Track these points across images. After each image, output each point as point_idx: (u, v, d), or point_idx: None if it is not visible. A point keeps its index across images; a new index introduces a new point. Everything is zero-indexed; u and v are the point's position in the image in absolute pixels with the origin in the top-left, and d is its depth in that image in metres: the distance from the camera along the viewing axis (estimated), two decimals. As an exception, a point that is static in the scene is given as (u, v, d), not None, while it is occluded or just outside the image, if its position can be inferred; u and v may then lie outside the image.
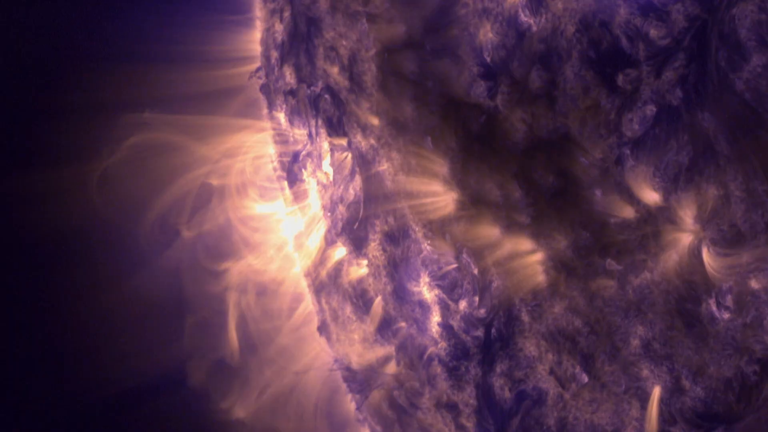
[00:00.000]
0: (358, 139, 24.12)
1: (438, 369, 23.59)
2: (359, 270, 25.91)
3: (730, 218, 16.28)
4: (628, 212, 18.13)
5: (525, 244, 20.36)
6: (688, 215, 17.09)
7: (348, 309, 26.74)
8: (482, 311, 21.84)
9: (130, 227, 26.64)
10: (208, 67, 28.19)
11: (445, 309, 22.94)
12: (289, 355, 28.60)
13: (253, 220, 29.12)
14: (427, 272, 23.10)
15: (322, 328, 28.41)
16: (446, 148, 21.54)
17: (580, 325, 19.65)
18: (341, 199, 25.67)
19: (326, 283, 27.50)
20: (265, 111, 29.21)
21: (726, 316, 16.75)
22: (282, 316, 28.84)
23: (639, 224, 18.00)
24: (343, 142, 24.79)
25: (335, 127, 25.02)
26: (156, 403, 26.87)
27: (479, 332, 22.10)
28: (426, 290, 23.35)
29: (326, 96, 25.02)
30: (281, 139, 28.60)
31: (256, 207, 29.23)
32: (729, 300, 16.62)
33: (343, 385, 28.14)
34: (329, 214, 26.62)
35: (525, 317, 20.75)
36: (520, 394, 21.31)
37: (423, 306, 23.63)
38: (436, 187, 22.12)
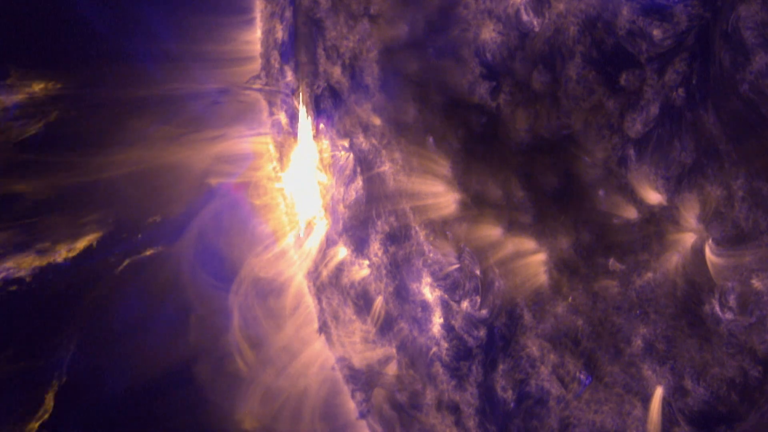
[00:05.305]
0: (360, 139, 24.10)
1: (440, 369, 23.58)
2: (360, 270, 25.89)
3: (733, 218, 16.29)
4: (630, 212, 18.14)
5: (527, 244, 20.36)
6: (691, 215, 17.10)
7: (349, 309, 26.71)
8: (484, 311, 21.83)
9: (129, 227, 26.57)
10: (208, 67, 28.13)
11: (446, 309, 22.92)
12: (289, 356, 28.55)
13: (253, 221, 29.07)
14: (429, 272, 23.08)
15: (323, 329, 28.36)
16: (448, 148, 21.54)
17: (583, 326, 19.65)
18: (342, 200, 25.65)
19: (327, 284, 27.47)
20: (265, 111, 29.17)
21: (729, 316, 16.75)
22: (283, 316, 28.79)
23: (642, 224, 18.01)
24: (345, 142, 24.77)
25: (337, 127, 25.00)
26: (156, 404, 26.81)
27: (481, 332, 22.10)
28: (428, 291, 23.34)
29: (328, 96, 24.99)
30: (281, 139, 28.56)
31: (256, 206, 29.17)
32: (732, 300, 16.63)
33: (344, 386, 28.10)
34: (330, 214, 26.59)
35: (527, 317, 20.74)
36: (522, 395, 21.30)
37: (425, 306, 23.62)
38: (438, 187, 22.11)
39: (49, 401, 24.32)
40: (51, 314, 24.92)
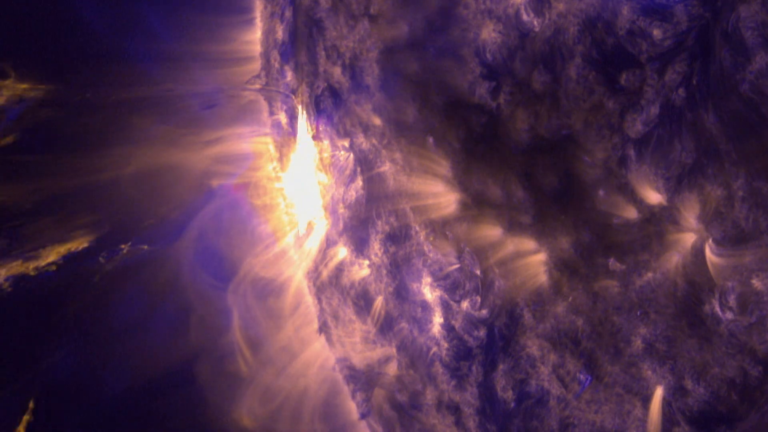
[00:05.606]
0: (360, 139, 24.09)
1: (440, 369, 23.57)
2: (360, 270, 25.88)
3: (734, 218, 16.29)
4: (631, 212, 18.15)
5: (527, 244, 20.36)
6: (691, 215, 17.10)
7: (349, 309, 26.70)
8: (484, 311, 21.82)
9: (129, 227, 26.56)
10: (208, 67, 28.12)
11: (447, 309, 22.92)
12: (289, 356, 28.54)
13: (253, 221, 29.06)
14: (429, 272, 23.07)
15: (323, 329, 28.35)
16: (448, 148, 21.53)
17: (583, 326, 19.65)
18: (342, 199, 25.64)
19: (327, 284, 27.46)
20: (265, 111, 29.16)
21: (729, 316, 16.76)
22: (283, 316, 28.78)
23: (642, 224, 18.01)
24: (345, 142, 24.76)
25: (337, 127, 24.99)
26: (156, 404, 26.80)
27: (481, 332, 22.09)
28: (428, 291, 23.33)
29: (328, 96, 24.99)
30: (281, 139, 28.56)
31: (256, 207, 29.16)
32: (732, 300, 16.63)
33: (344, 386, 28.09)
34: (330, 214, 26.58)
35: (527, 317, 20.74)
36: (522, 395, 21.30)
37: (425, 306, 23.61)
38: (439, 187, 22.11)
39: (48, 402, 24.32)
40: (51, 315, 24.91)
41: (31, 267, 23.93)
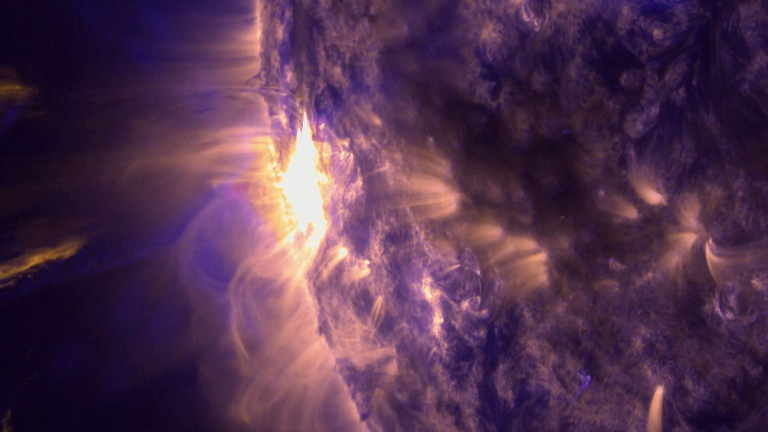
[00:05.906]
0: (360, 139, 24.10)
1: (440, 369, 23.57)
2: (360, 270, 25.88)
3: (734, 218, 16.29)
4: (631, 212, 18.15)
5: (528, 244, 20.36)
6: (691, 215, 17.10)
7: (349, 309, 26.70)
8: (484, 311, 21.82)
9: (130, 228, 26.55)
10: (208, 67, 28.11)
11: (447, 309, 22.92)
12: (289, 356, 28.54)
13: (253, 221, 29.06)
14: (429, 272, 23.08)
15: (323, 329, 28.35)
16: (449, 148, 21.53)
17: (583, 326, 19.65)
18: (342, 199, 25.64)
19: (327, 284, 27.46)
20: (265, 111, 29.16)
21: (729, 316, 16.76)
22: (282, 316, 28.78)
23: (642, 224, 18.01)
24: (345, 142, 24.76)
25: (337, 128, 24.99)
26: (156, 404, 26.79)
27: (481, 333, 22.09)
28: (428, 291, 23.33)
29: (328, 96, 24.99)
30: (281, 139, 28.55)
31: (256, 207, 29.16)
32: (732, 300, 16.63)
33: (344, 387, 28.09)
34: (330, 214, 26.58)
35: (527, 318, 20.74)
36: (522, 395, 21.30)
37: (425, 306, 23.61)
38: (439, 187, 22.11)
39: (47, 402, 24.32)
40: (51, 315, 24.91)
41: (45, 264, 23.97)
